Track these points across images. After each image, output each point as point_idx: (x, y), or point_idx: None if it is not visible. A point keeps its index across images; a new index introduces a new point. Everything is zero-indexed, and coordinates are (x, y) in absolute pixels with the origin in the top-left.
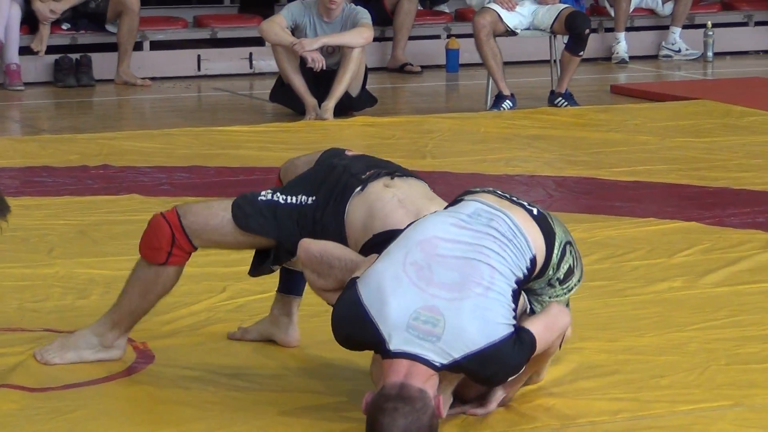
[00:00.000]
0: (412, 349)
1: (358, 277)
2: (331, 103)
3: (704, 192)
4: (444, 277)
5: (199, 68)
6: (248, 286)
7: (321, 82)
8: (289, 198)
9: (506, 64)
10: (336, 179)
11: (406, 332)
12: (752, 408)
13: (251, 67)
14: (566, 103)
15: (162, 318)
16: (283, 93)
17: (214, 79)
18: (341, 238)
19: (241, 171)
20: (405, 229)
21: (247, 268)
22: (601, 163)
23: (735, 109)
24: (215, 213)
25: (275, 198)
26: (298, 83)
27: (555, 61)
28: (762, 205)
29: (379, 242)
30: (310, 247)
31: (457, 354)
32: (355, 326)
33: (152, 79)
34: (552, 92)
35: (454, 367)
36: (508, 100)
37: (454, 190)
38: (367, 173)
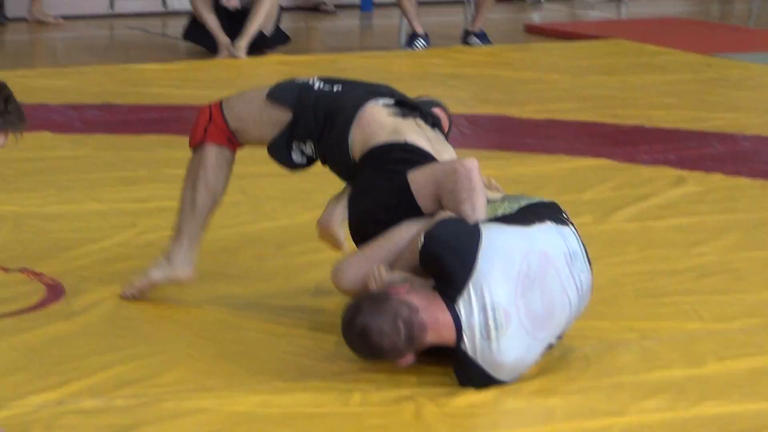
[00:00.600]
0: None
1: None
2: (244, 42)
3: (616, 130)
4: (537, 307)
5: (112, 6)
6: (159, 221)
7: (234, 20)
8: (321, 84)
9: (420, 3)
10: (365, 87)
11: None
12: (659, 341)
13: (164, 5)
14: (480, 41)
15: (72, 253)
16: (196, 31)
17: (128, 17)
18: (345, 128)
19: (154, 109)
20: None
21: (159, 203)
22: (513, 102)
23: (648, 48)
24: (253, 89)
25: (311, 81)
26: (212, 22)
27: (469, 0)
28: (673, 142)
29: (388, 151)
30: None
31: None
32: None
33: (65, 17)
34: (466, 31)
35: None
36: (421, 39)
37: None
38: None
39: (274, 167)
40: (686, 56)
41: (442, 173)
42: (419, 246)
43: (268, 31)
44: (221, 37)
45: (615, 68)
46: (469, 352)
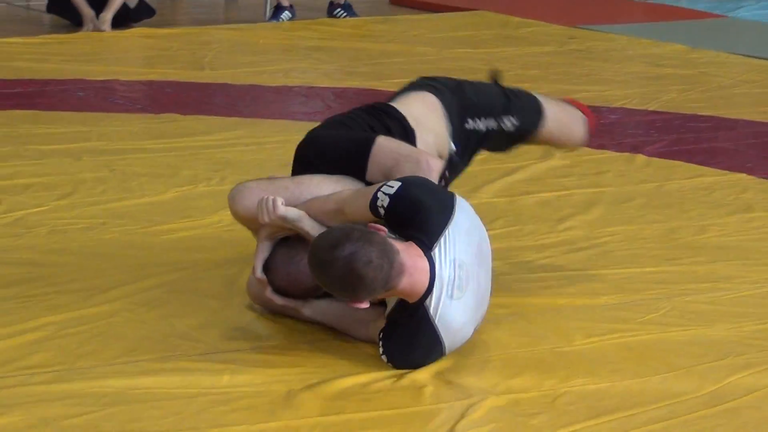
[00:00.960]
0: None
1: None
2: (108, 15)
3: None
4: (482, 285)
5: None
6: (25, 198)
7: None
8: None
9: None
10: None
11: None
12: (526, 317)
13: None
14: (345, 13)
15: None
16: (60, 4)
17: None
18: None
19: (18, 83)
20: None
21: (25, 180)
22: (380, 74)
23: (512, 20)
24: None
25: None
26: None
27: None
28: None
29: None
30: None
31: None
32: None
33: None
34: (331, 3)
35: None
36: (287, 11)
37: (233, 101)
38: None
39: (141, 143)
40: (550, 28)
41: (406, 156)
42: (387, 192)
43: (132, 3)
44: (85, 9)
45: (480, 40)
46: (431, 310)
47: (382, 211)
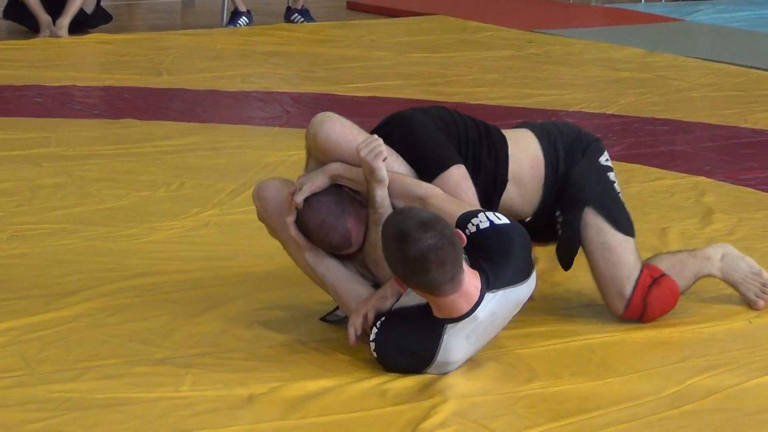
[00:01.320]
0: None
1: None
2: (65, 20)
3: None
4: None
5: None
6: None
7: None
8: None
9: None
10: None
11: None
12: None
13: None
14: (302, 19)
15: None
16: (17, 10)
17: None
18: None
19: None
20: None
21: None
22: (337, 79)
23: (470, 24)
24: None
25: None
26: (32, 0)
27: None
28: (498, 119)
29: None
30: None
31: None
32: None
33: None
34: (288, 8)
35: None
36: (244, 17)
37: (191, 106)
38: None
39: (99, 148)
40: (509, 32)
41: (447, 212)
42: (491, 219)
43: (89, 9)
44: (42, 15)
45: (438, 44)
46: (446, 333)
47: (473, 228)
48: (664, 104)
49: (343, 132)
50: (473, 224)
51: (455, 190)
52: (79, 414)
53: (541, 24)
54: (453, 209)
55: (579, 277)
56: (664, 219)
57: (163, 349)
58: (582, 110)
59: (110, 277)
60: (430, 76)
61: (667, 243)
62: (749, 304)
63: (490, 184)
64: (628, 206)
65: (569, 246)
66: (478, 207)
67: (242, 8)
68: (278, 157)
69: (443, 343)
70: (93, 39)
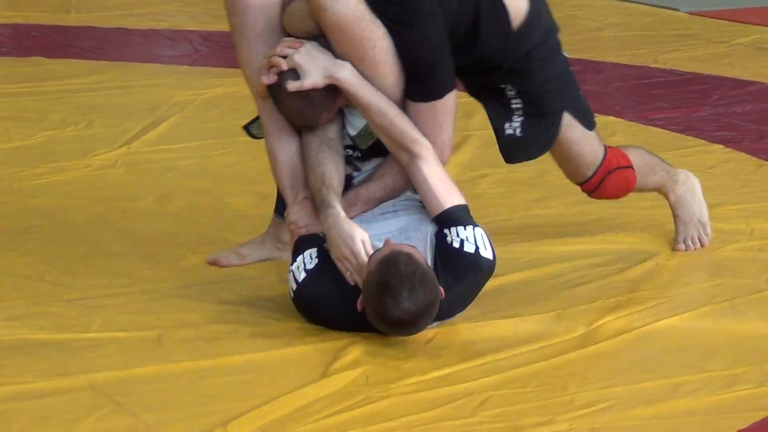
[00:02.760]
0: None
1: None
2: None
3: None
4: None
5: None
6: None
7: None
8: None
9: None
10: None
11: None
12: None
13: None
14: None
15: None
16: None
17: None
18: None
19: None
20: None
21: None
22: None
23: None
24: None
25: None
26: None
27: None
28: None
29: None
30: None
31: None
32: None
33: None
34: None
35: None
36: None
37: (99, 44)
38: None
39: (5, 86)
40: None
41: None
42: (469, 240)
43: None
44: None
45: None
46: None
47: (455, 243)
48: (574, 44)
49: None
50: (457, 238)
51: (441, 119)
52: None
53: None
54: (440, 192)
55: (481, 219)
56: None
57: (72, 290)
58: None
59: (18, 216)
60: None
61: None
62: (675, 243)
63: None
64: None
65: (535, 149)
66: (461, 197)
67: None
68: (187, 95)
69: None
70: None
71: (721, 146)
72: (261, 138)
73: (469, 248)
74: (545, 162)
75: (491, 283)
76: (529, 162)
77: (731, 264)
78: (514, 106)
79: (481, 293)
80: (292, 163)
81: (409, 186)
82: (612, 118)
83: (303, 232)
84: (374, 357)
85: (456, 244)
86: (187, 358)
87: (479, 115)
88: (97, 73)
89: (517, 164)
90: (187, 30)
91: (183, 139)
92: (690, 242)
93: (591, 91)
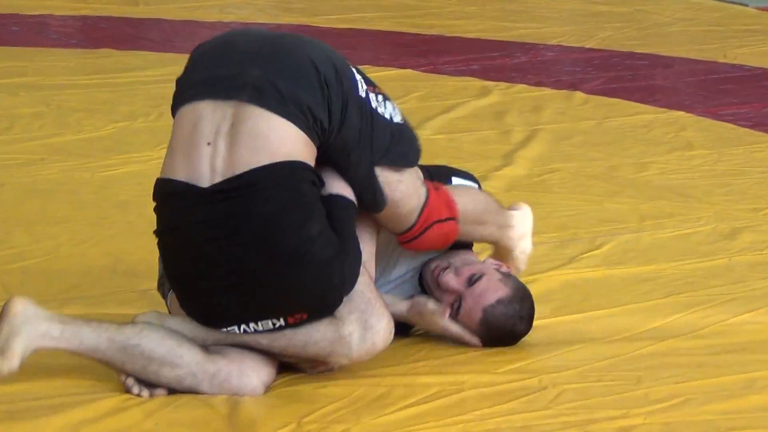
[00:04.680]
0: None
1: None
2: None
3: (419, 39)
4: None
5: None
6: None
7: None
8: None
9: None
10: None
11: None
12: None
13: None
14: None
15: None
16: None
17: None
18: None
19: None
20: None
21: None
22: (315, 10)
23: None
24: None
25: None
26: None
27: None
28: (476, 52)
29: None
30: None
31: None
32: None
33: None
34: None
35: None
36: None
37: (168, 37)
38: None
39: (77, 78)
40: None
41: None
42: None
43: None
44: None
45: None
46: None
47: None
48: (643, 39)
49: None
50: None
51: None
52: None
53: None
54: None
55: (556, 214)
56: (644, 154)
57: (148, 280)
58: (560, 44)
59: (90, 207)
60: (408, 8)
61: (647, 179)
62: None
63: None
64: (608, 139)
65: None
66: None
67: None
68: None
69: None
70: None
71: None
72: None
73: None
74: (616, 157)
75: (564, 277)
76: (601, 157)
77: None
78: None
79: (553, 288)
80: None
81: None
82: (682, 113)
83: None
84: (447, 350)
85: None
86: None
87: (548, 109)
88: (166, 65)
89: (589, 159)
90: (256, 22)
91: None
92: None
93: (660, 86)
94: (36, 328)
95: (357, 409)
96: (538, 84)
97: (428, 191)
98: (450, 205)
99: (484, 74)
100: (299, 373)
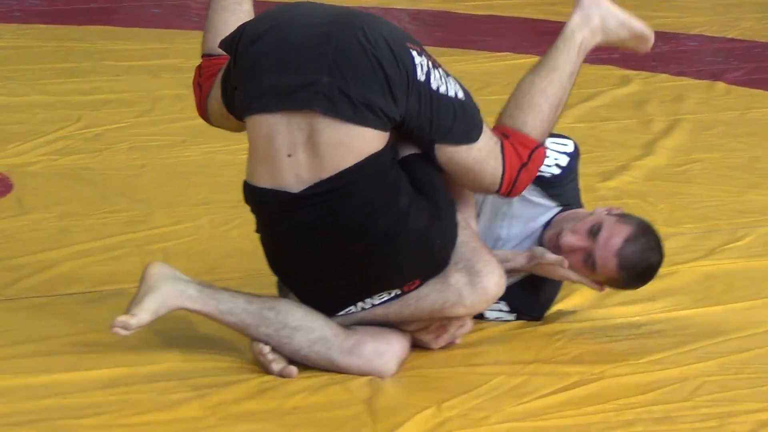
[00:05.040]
0: None
1: None
2: None
3: (560, 27)
4: None
5: None
6: (104, 115)
7: None
8: None
9: None
10: None
11: None
12: None
13: None
14: None
15: (18, 147)
16: None
17: None
18: None
19: None
20: None
21: (102, 95)
22: None
23: None
24: None
25: None
26: None
27: None
28: None
29: None
30: None
31: None
32: None
33: None
34: None
35: None
36: None
37: None
38: None
39: None
40: None
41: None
42: None
43: None
44: None
45: None
46: None
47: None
48: None
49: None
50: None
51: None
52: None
53: None
54: None
55: (697, 205)
56: None
57: None
58: (702, 33)
59: (231, 189)
60: None
61: None
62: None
63: None
64: (751, 130)
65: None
66: None
67: None
68: None
69: None
70: None
71: None
72: None
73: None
74: (759, 148)
75: (704, 269)
76: (742, 148)
77: None
78: None
79: (694, 279)
80: None
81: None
82: None
83: None
84: (587, 339)
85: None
86: None
87: (690, 99)
88: None
89: (730, 150)
90: (396, 8)
91: None
92: None
93: None
94: (173, 286)
95: (496, 396)
96: (679, 74)
97: (502, 144)
98: (525, 142)
99: (625, 63)
100: (429, 351)
